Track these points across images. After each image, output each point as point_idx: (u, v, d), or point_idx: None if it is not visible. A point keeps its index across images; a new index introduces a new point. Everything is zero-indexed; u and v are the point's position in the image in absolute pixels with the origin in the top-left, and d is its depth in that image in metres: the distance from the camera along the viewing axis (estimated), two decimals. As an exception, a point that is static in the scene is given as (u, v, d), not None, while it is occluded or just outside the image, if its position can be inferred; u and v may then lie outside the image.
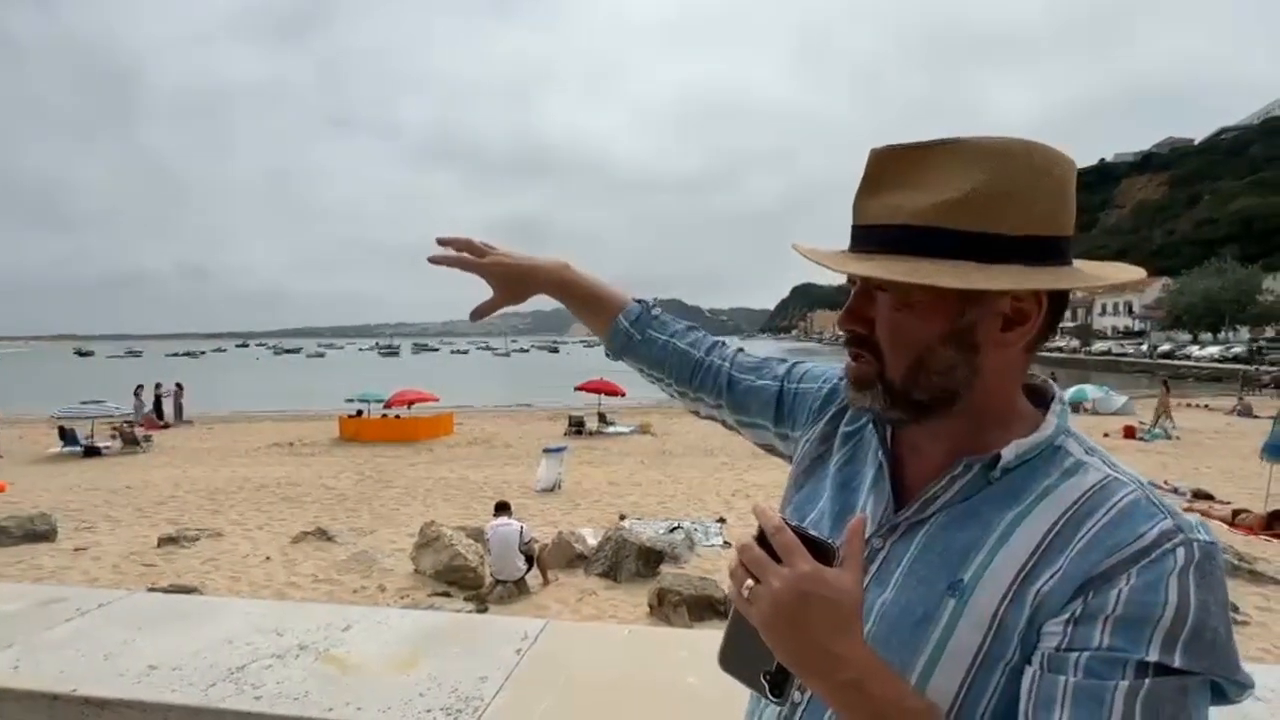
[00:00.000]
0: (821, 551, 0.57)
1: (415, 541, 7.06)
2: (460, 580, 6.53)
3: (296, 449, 17.06)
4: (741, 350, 0.98)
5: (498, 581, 6.37)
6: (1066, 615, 0.54)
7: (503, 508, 7.05)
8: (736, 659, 0.60)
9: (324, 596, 6.29)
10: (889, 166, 0.62)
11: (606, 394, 19.89)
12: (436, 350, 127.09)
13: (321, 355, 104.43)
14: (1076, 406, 21.33)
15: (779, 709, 0.67)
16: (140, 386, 22.33)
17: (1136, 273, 0.66)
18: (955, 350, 0.62)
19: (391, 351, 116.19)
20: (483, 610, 5.84)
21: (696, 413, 1.01)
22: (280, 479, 12.53)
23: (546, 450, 11.96)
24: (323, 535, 8.24)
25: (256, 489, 11.65)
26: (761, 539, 0.57)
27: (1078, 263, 0.64)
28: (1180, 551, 0.53)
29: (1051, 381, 0.71)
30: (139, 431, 17.80)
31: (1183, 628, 0.51)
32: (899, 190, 0.61)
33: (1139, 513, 0.56)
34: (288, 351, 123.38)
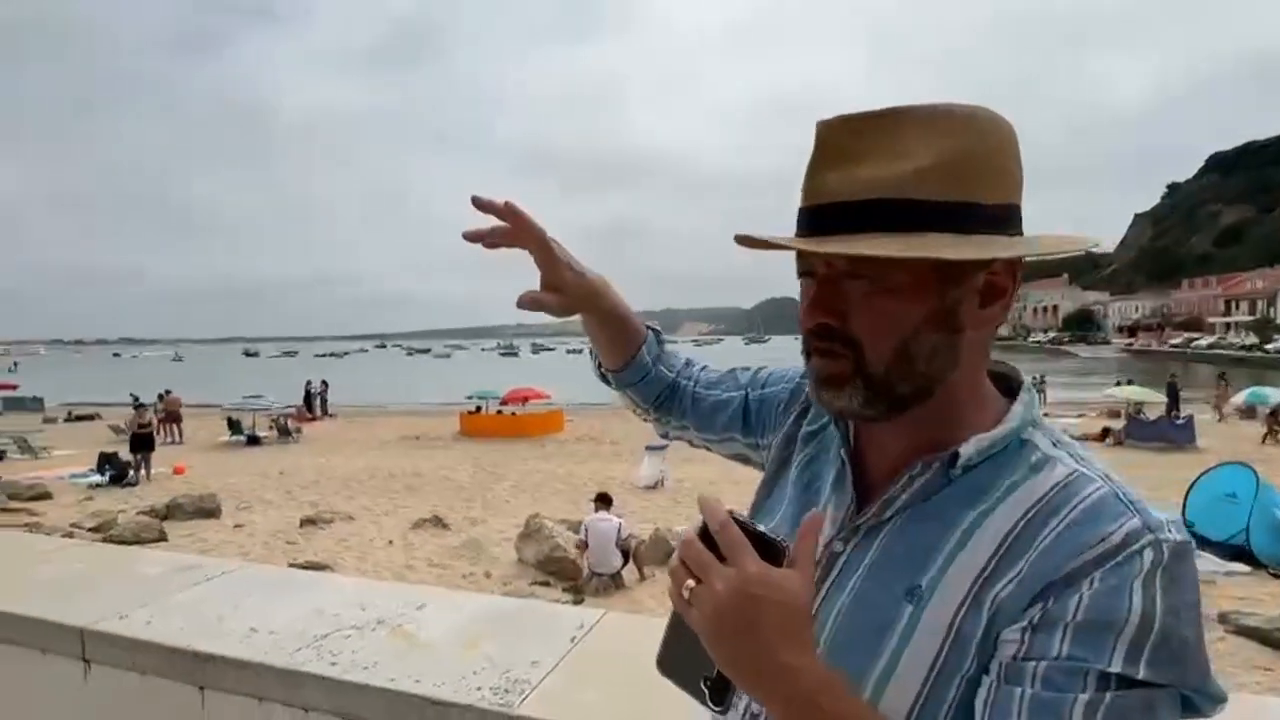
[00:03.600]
0: (771, 550, 0.53)
1: (520, 532, 7.38)
2: (559, 571, 6.76)
3: (422, 442, 18.34)
4: (706, 367, 0.97)
5: (594, 574, 6.53)
6: (1025, 622, 0.50)
7: (603, 500, 7.22)
8: (675, 663, 0.57)
9: (436, 579, 6.72)
10: (846, 137, 0.57)
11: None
12: (553, 350, 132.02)
13: (448, 355, 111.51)
14: (1252, 411, 18.71)
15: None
16: (324, 382, 25.83)
17: (1088, 240, 0.60)
18: (939, 333, 0.58)
19: (511, 351, 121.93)
20: (579, 601, 6.01)
21: (665, 435, 0.99)
22: (406, 469, 13.53)
23: (649, 447, 12.10)
24: (439, 523, 8.82)
25: (385, 478, 12.65)
26: (706, 534, 0.53)
27: (1028, 232, 0.60)
28: (1148, 553, 0.49)
29: (1001, 363, 0.65)
30: (291, 423, 19.87)
31: (1148, 636, 0.47)
32: (861, 162, 0.55)
33: (1106, 511, 0.51)
34: (419, 351, 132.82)
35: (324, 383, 26.62)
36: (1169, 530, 0.50)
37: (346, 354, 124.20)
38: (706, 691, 0.55)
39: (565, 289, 0.83)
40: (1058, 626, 0.49)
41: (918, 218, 0.54)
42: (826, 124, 0.58)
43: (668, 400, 0.94)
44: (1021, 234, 0.58)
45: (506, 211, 0.79)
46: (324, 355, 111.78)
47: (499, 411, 20.85)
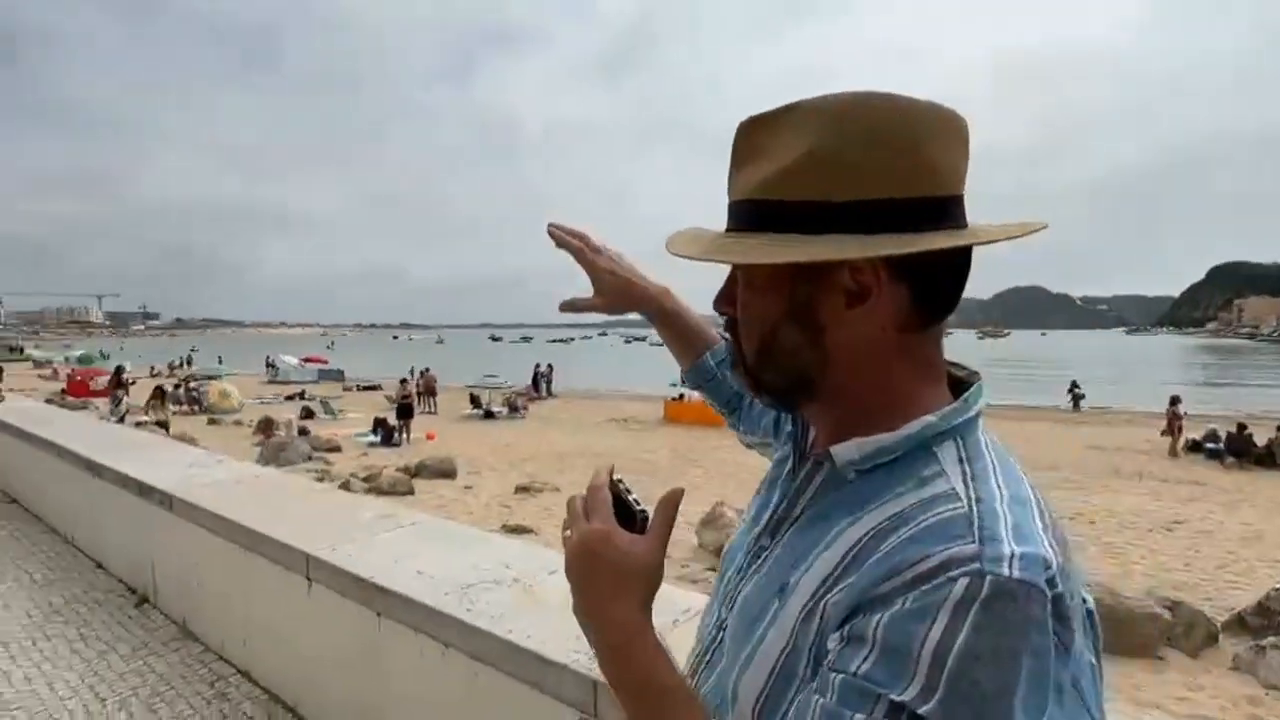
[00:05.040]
0: (628, 517, 0.61)
1: (702, 518, 7.56)
2: (737, 561, 6.82)
3: (628, 425, 19.47)
4: None
5: (771, 568, 6.49)
6: (839, 633, 0.50)
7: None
8: None
9: (622, 554, 7.18)
10: (747, 138, 0.59)
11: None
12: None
13: (661, 344, 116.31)
14: None
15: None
16: (550, 365, 29.19)
17: (1027, 227, 0.53)
18: (797, 330, 0.58)
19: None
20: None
21: (744, 443, 1.04)
22: (611, 449, 14.51)
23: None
24: (632, 502, 9.36)
25: (592, 456, 13.69)
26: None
27: (978, 225, 0.56)
28: (962, 582, 0.45)
29: (976, 374, 0.61)
30: (520, 401, 22.33)
31: (941, 671, 0.44)
32: (749, 163, 0.58)
33: (941, 532, 0.48)
34: (636, 339, 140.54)
35: (550, 366, 29.42)
36: (1007, 565, 0.45)
37: (572, 340, 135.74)
38: None
39: (603, 291, 0.98)
40: (864, 643, 0.47)
41: (771, 219, 0.56)
42: (738, 125, 0.60)
43: (737, 406, 1.01)
44: (927, 230, 0.53)
45: (581, 238, 0.99)
46: (554, 341, 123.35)
47: (700, 400, 21.32)
